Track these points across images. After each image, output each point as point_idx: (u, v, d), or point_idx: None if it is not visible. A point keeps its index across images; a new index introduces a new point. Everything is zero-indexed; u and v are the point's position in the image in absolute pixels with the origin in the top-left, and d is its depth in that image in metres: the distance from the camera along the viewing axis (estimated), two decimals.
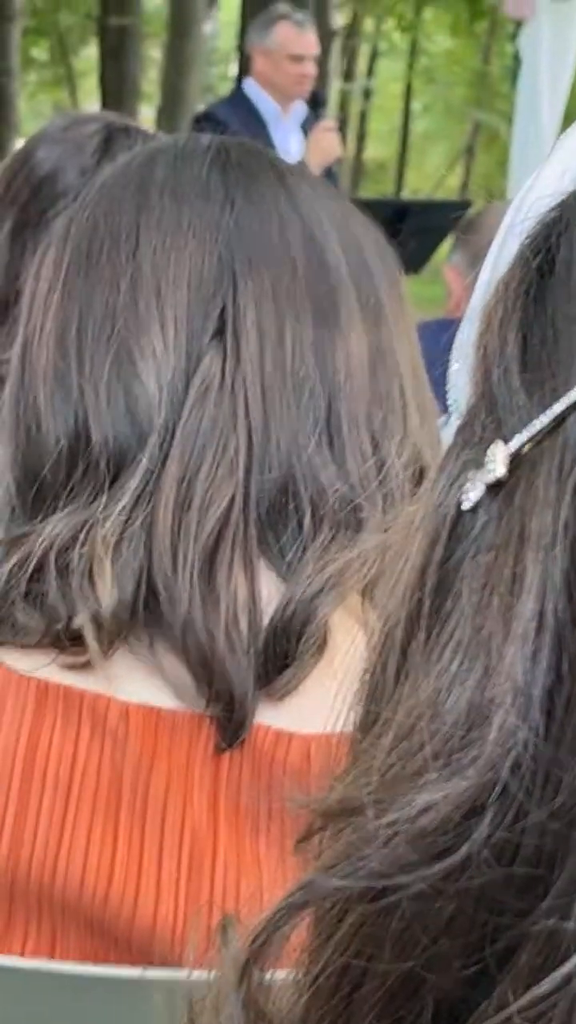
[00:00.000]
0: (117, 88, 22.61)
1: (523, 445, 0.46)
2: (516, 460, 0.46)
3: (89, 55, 30.61)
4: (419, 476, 1.13)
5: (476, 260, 2.92)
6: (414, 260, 5.94)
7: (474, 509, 0.47)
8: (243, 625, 1.04)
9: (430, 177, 36.53)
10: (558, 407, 0.45)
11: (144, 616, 1.04)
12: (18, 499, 1.13)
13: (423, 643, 0.47)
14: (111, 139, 1.94)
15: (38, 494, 1.11)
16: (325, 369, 1.10)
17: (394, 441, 1.11)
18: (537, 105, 7.23)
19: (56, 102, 36.39)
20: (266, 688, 1.05)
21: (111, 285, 1.11)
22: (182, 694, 1.04)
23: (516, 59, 7.40)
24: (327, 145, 5.72)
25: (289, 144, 5.82)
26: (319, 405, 1.09)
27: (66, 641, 1.05)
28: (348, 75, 30.85)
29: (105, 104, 23.28)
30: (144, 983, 1.00)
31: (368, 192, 34.43)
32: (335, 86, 25.01)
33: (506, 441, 0.46)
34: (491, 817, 0.44)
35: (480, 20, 20.67)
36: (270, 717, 1.05)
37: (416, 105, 33.88)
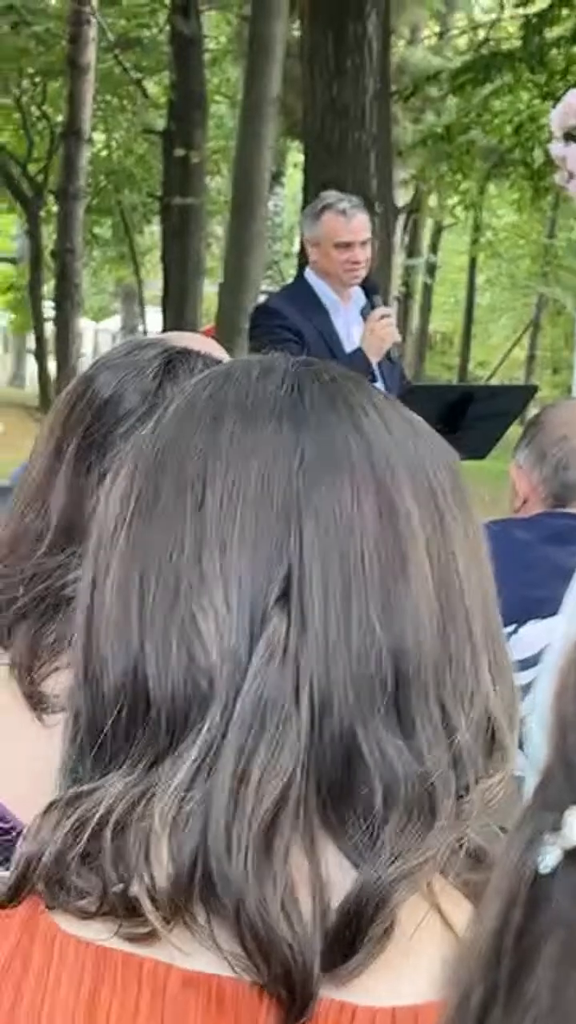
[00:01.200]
0: (180, 265, 23.07)
1: None
2: None
3: (153, 231, 31.30)
4: (491, 745, 1.10)
5: (541, 459, 2.94)
6: (480, 445, 5.98)
7: (551, 874, 0.47)
8: (305, 908, 1.01)
9: (496, 349, 36.94)
10: None
11: (200, 894, 1.02)
12: (86, 740, 1.12)
13: (500, 1016, 0.47)
14: (171, 362, 1.99)
15: (99, 743, 1.10)
16: (392, 633, 1.07)
17: (465, 709, 1.09)
18: None
19: (119, 279, 37.20)
20: (330, 972, 1.02)
21: (175, 538, 1.09)
22: (242, 970, 1.02)
23: None
24: (383, 333, 5.74)
25: (352, 333, 5.85)
26: (385, 673, 1.06)
27: (123, 911, 1.04)
28: (412, 250, 31.35)
29: (168, 280, 23.79)
30: None
31: (434, 366, 34.89)
32: (399, 261, 25.40)
33: None
34: None
35: (544, 197, 20.89)
36: (332, 989, 1.03)
37: (480, 279, 34.32)
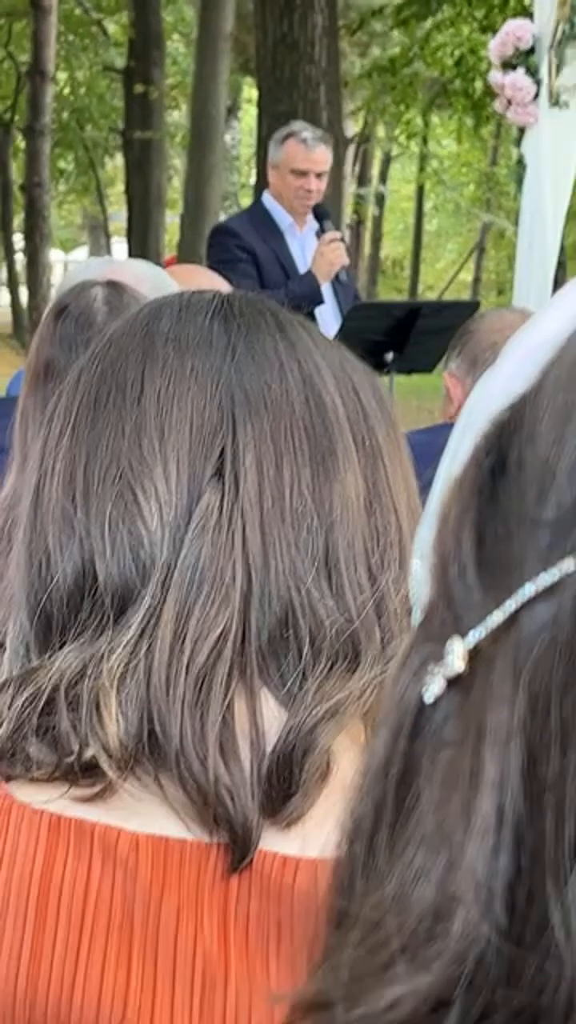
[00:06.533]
0: (143, 197, 22.85)
1: (479, 641, 0.45)
2: (474, 655, 0.46)
3: (116, 165, 31.00)
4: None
5: (473, 366, 2.89)
6: (426, 359, 5.95)
7: (434, 703, 0.47)
8: (244, 754, 1.03)
9: (444, 273, 36.82)
10: (511, 605, 0.44)
11: (148, 748, 1.03)
12: (31, 634, 1.13)
13: (387, 836, 0.47)
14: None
15: (47, 629, 1.11)
16: (322, 506, 1.09)
17: (391, 575, 1.11)
18: (542, 207, 7.25)
19: (85, 209, 36.87)
20: (272, 818, 1.03)
21: (116, 429, 1.11)
22: (189, 823, 1.03)
23: (520, 162, 7.41)
24: (332, 256, 5.70)
25: (307, 255, 5.82)
26: (317, 541, 1.09)
27: (78, 773, 1.05)
28: (363, 179, 31.18)
29: (131, 211, 23.58)
30: None
31: (386, 289, 34.71)
32: (350, 191, 25.23)
33: (463, 636, 0.46)
34: (458, 1011, 0.43)
35: (485, 126, 20.79)
36: (276, 843, 1.04)
37: (427, 205, 34.17)
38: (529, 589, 0.44)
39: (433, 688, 0.46)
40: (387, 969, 0.44)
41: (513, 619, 0.44)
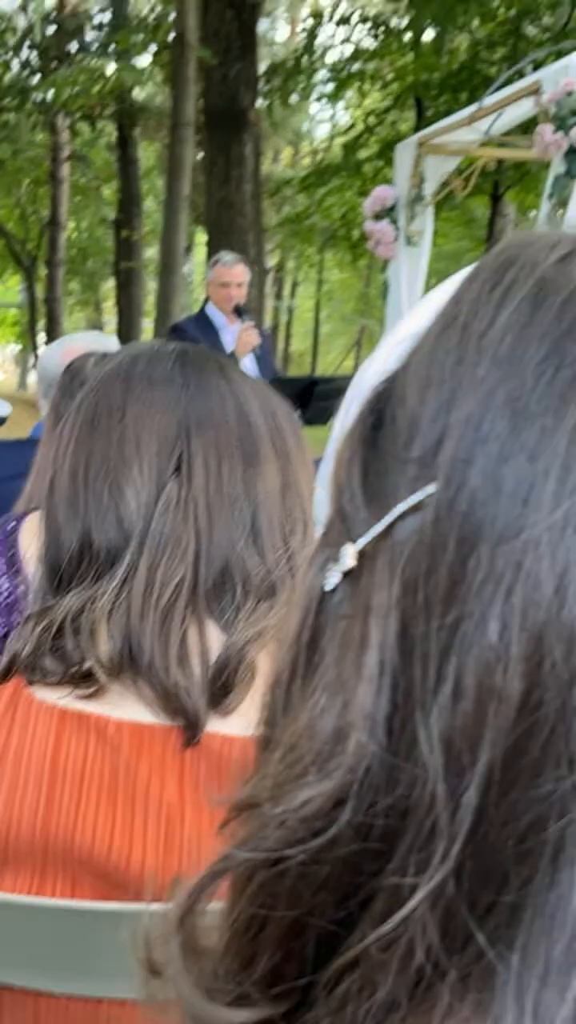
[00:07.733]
0: (128, 308, 22.73)
1: (365, 545, 0.44)
2: (361, 555, 0.44)
3: (109, 286, 30.89)
4: None
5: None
6: (321, 416, 5.93)
7: (333, 590, 0.45)
8: (195, 664, 1.03)
9: (334, 361, 37.00)
10: (387, 519, 0.43)
11: (128, 661, 1.02)
12: (46, 583, 1.11)
13: (301, 685, 0.45)
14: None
15: (59, 580, 1.10)
16: (250, 493, 1.09)
17: (297, 539, 1.10)
18: (400, 315, 7.31)
19: (87, 317, 36.67)
20: (215, 708, 1.02)
21: (106, 440, 1.10)
22: (157, 713, 1.02)
23: (386, 284, 7.49)
24: (247, 338, 5.75)
25: (234, 343, 5.87)
26: (246, 517, 1.08)
27: (79, 679, 1.03)
28: (278, 296, 31.31)
29: (120, 318, 23.43)
30: (139, 914, 0.96)
31: (292, 372, 34.80)
32: (269, 305, 25.28)
33: (354, 542, 0.44)
34: (351, 806, 0.41)
35: (361, 260, 20.94)
36: (218, 726, 1.03)
37: (323, 314, 34.40)
38: (402, 507, 0.43)
39: (332, 579, 0.45)
40: (301, 777, 0.43)
41: (389, 529, 0.43)
